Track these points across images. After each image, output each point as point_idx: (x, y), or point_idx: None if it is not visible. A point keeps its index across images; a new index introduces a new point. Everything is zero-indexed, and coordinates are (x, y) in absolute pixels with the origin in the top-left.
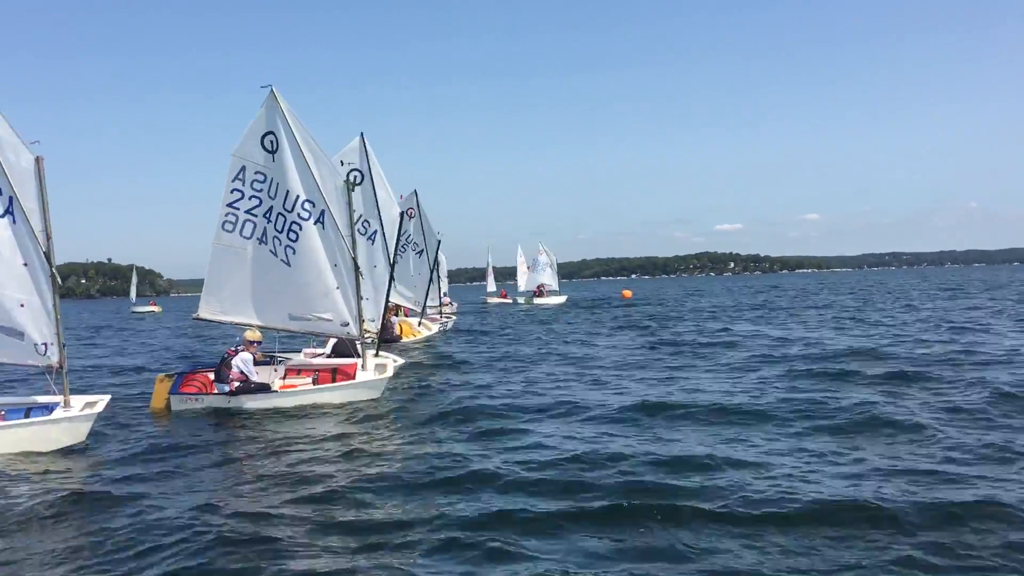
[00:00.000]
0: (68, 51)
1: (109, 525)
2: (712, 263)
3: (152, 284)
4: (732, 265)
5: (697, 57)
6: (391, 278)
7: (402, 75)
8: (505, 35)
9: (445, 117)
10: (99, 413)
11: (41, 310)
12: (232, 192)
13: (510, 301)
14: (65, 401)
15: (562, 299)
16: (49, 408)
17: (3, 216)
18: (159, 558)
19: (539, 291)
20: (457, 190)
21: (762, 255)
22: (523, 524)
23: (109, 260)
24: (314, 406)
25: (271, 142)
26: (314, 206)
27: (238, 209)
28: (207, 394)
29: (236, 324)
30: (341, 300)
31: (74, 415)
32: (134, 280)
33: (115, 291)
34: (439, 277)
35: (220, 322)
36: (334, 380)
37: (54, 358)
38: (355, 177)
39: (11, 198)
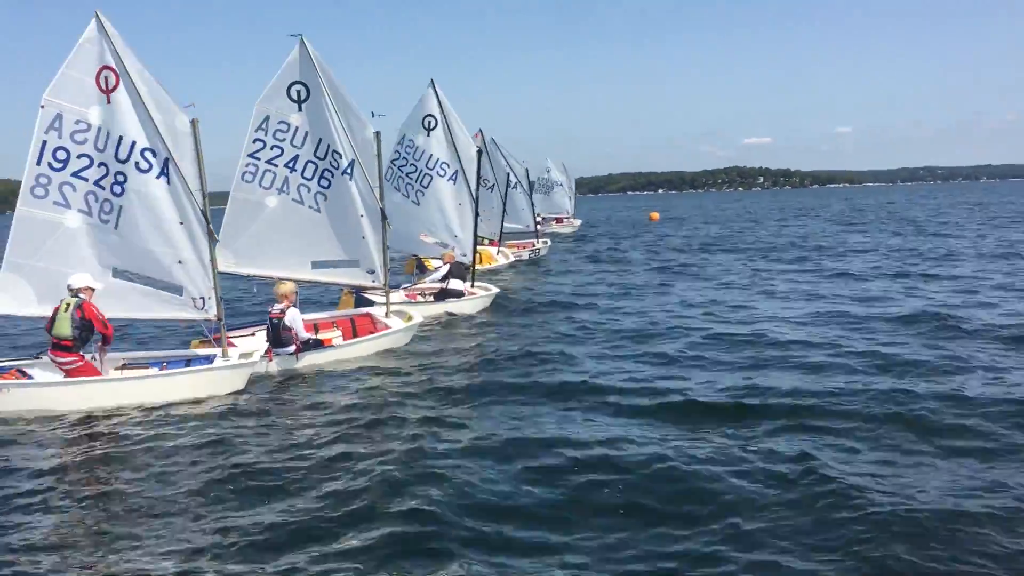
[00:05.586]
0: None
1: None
2: (741, 178)
3: None
4: (761, 180)
5: None
6: (476, 213)
7: None
8: None
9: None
10: (256, 362)
11: (199, 265)
12: (254, 143)
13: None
14: (224, 351)
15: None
16: (209, 359)
17: (159, 176)
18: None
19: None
20: (477, 98)
21: (792, 169)
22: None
23: None
24: (361, 357)
25: (298, 92)
26: (342, 156)
27: (259, 159)
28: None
29: (251, 276)
30: (369, 248)
31: (234, 363)
32: None
33: None
34: (531, 202)
35: (235, 274)
36: (354, 330)
37: (212, 312)
38: (429, 123)
39: (167, 159)
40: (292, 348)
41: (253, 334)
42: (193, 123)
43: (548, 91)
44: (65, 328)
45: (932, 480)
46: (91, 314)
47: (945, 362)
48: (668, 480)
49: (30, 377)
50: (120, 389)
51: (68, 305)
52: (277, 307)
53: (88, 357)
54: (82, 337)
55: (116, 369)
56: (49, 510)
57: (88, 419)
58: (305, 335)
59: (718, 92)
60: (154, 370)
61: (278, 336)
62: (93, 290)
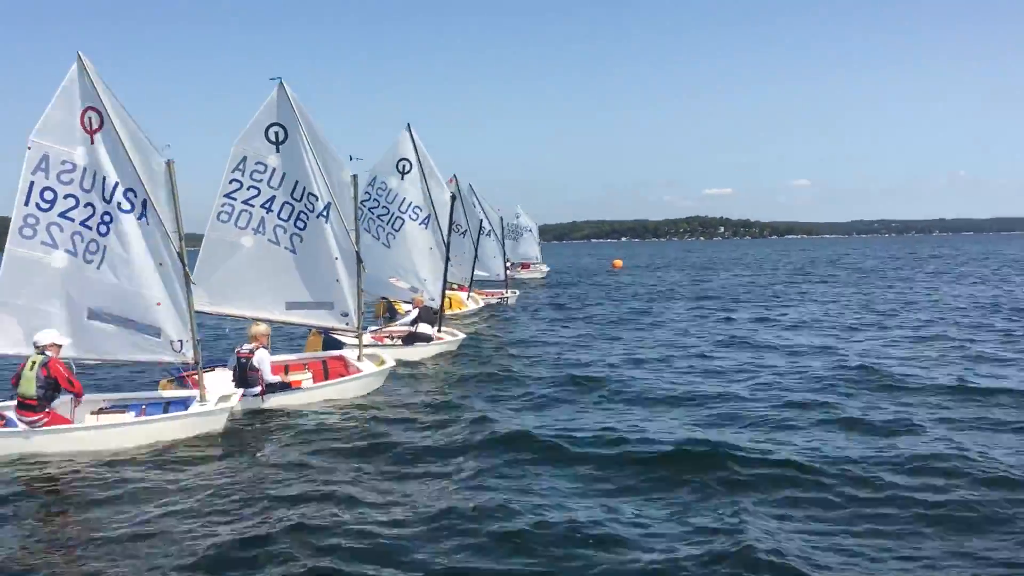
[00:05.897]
0: None
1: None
2: (703, 227)
3: None
4: (722, 230)
5: (689, 19)
6: (447, 258)
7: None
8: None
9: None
10: (232, 406)
11: (176, 308)
12: (230, 183)
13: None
14: (201, 395)
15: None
16: (185, 402)
17: (140, 218)
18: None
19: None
20: (447, 144)
21: (752, 220)
22: None
23: None
24: (329, 400)
25: (276, 133)
26: (318, 199)
27: (235, 199)
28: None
29: (223, 315)
30: (343, 290)
31: (211, 409)
32: None
33: None
34: (503, 251)
35: (208, 313)
36: (325, 373)
37: (189, 355)
38: (404, 166)
39: (144, 201)
40: (258, 389)
41: (212, 369)
42: (168, 164)
43: (516, 136)
44: (30, 388)
45: (866, 547)
46: (56, 372)
47: (887, 418)
48: (593, 539)
49: (10, 420)
50: (98, 436)
51: (34, 363)
52: (246, 347)
53: (67, 398)
54: (47, 396)
55: (93, 413)
56: (12, 554)
57: (57, 464)
58: (272, 378)
59: (679, 141)
60: (131, 414)
61: (244, 376)
62: (60, 346)
